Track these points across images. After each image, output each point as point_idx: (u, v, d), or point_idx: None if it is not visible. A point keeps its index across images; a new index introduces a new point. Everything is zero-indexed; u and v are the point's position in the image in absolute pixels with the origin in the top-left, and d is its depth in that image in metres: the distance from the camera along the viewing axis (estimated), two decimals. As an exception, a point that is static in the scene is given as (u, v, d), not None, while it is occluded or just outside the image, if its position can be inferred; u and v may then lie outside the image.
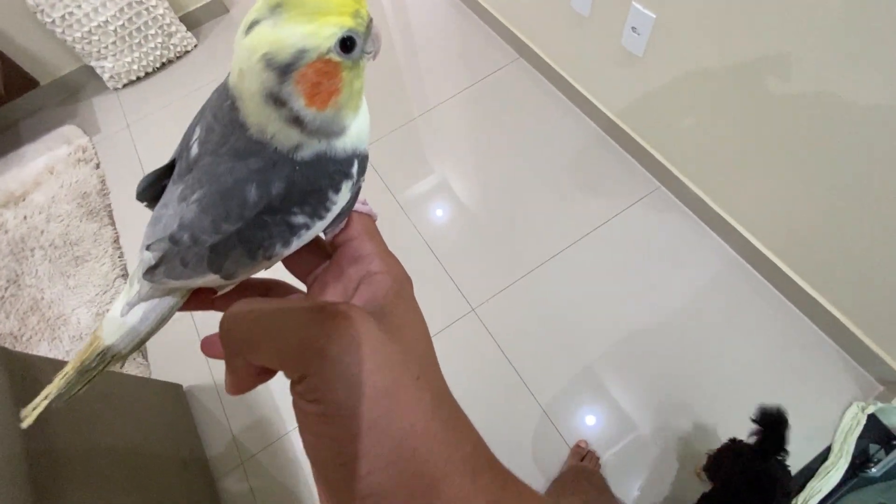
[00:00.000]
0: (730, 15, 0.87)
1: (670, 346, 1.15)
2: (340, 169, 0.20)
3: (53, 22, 1.62)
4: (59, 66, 1.83)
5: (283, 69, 0.17)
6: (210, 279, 0.21)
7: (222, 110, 0.20)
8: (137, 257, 0.22)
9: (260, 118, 0.19)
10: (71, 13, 1.63)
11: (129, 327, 0.22)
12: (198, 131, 0.21)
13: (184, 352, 1.31)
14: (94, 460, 0.77)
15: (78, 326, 1.39)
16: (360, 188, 0.22)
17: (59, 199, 1.63)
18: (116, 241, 1.54)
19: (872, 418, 1.00)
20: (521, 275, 1.27)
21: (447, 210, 1.43)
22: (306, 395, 0.17)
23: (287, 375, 0.17)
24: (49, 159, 1.72)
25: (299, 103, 0.18)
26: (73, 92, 1.91)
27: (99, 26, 1.68)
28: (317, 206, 0.20)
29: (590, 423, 1.11)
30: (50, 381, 0.22)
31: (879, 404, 0.99)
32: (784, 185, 0.99)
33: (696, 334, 1.15)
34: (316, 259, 0.25)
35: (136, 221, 1.57)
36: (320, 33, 0.17)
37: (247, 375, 0.19)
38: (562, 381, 1.15)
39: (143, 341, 0.23)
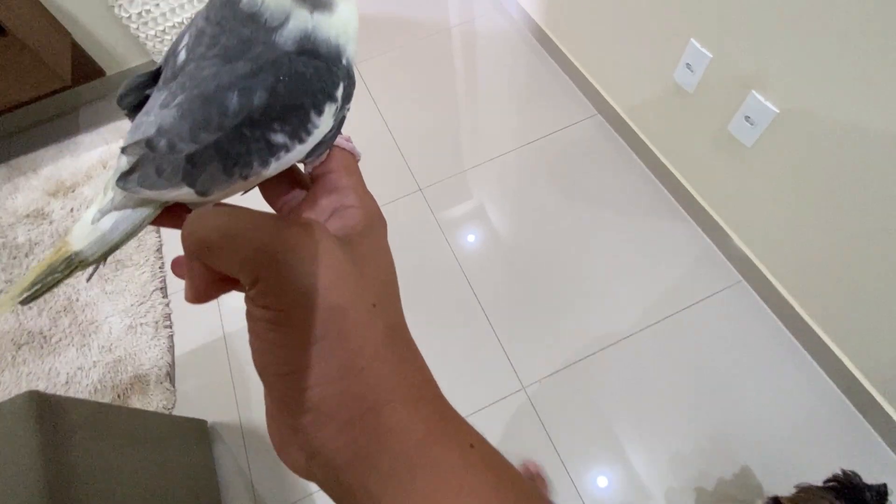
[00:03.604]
0: (880, 134, 0.77)
1: (734, 462, 1.04)
2: (325, 88, 0.20)
3: (130, 17, 1.60)
4: (127, 59, 1.81)
5: None
6: (184, 193, 0.20)
7: (216, 7, 0.19)
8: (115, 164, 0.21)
9: None
10: (148, 10, 1.61)
11: (99, 235, 0.22)
12: (186, 38, 0.20)
13: (213, 385, 1.25)
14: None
15: (109, 336, 1.34)
16: (344, 117, 0.22)
17: (107, 195, 1.60)
18: (159, 249, 1.49)
19: None
20: (580, 356, 1.18)
21: (503, 272, 1.35)
22: (257, 300, 0.16)
23: (242, 281, 0.17)
24: (103, 153, 1.70)
25: None
26: (137, 85, 1.89)
27: (173, 26, 1.66)
28: (298, 127, 0.20)
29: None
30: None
31: None
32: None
33: (765, 453, 1.04)
34: (293, 188, 0.24)
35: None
36: None
37: (205, 281, 0.18)
38: (612, 484, 1.05)
39: (112, 250, 0.23)
